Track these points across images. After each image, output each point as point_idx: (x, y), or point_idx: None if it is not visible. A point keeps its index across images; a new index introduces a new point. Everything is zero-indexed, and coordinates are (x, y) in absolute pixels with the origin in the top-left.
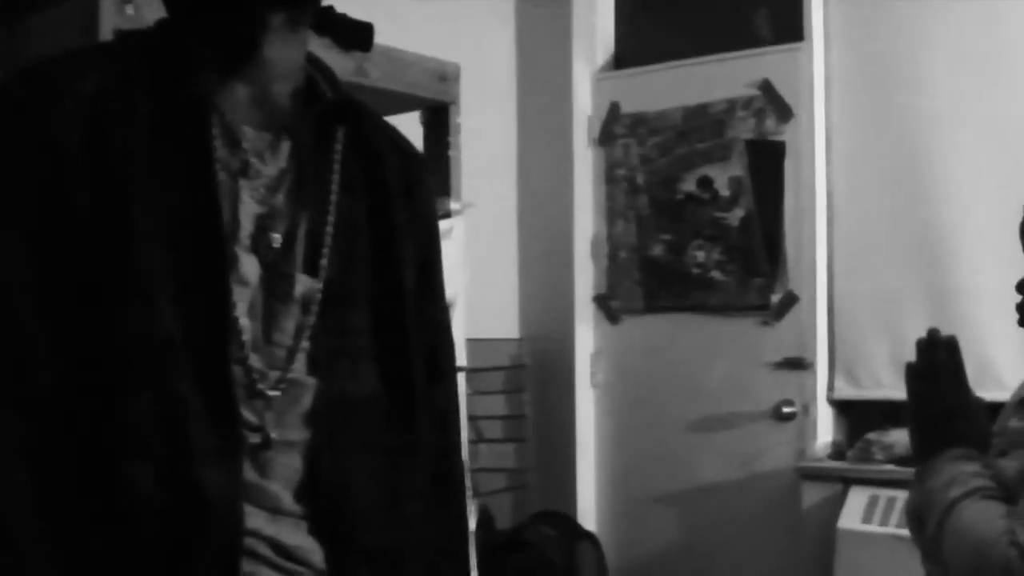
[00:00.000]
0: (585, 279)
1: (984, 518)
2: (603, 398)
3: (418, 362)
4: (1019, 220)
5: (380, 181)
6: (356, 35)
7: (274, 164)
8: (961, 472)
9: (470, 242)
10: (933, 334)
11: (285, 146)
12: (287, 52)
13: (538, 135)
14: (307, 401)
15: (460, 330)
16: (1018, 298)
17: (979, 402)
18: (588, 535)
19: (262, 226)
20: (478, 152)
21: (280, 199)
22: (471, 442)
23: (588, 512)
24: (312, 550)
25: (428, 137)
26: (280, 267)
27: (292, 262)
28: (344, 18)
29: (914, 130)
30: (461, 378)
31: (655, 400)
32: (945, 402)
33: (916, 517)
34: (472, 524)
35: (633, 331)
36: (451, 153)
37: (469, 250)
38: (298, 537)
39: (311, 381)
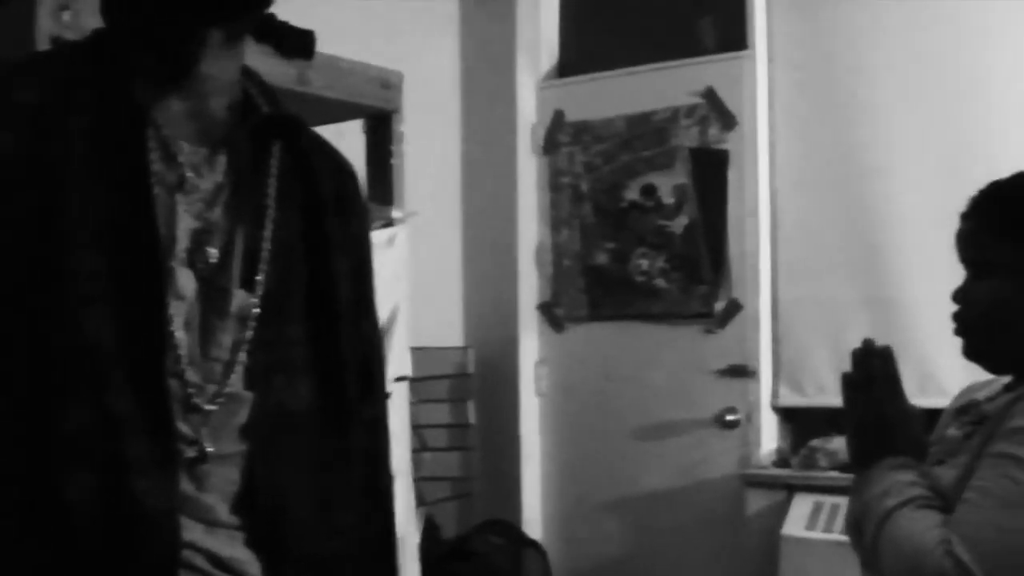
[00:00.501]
0: (529, 287)
1: (920, 527)
2: (548, 406)
3: (352, 375)
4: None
5: (315, 196)
6: (298, 43)
7: (210, 178)
8: (897, 481)
9: (414, 250)
10: (868, 344)
11: (221, 160)
12: (224, 67)
13: (482, 143)
14: (244, 415)
15: (404, 339)
16: (954, 307)
17: (915, 411)
18: (533, 543)
19: (199, 241)
20: (422, 160)
21: (217, 214)
22: (415, 451)
23: (533, 520)
24: (248, 561)
25: (371, 145)
26: (217, 282)
27: (229, 277)
28: (286, 26)
29: (857, 139)
30: (404, 387)
31: (600, 408)
32: (881, 411)
33: (855, 526)
34: (417, 533)
35: (577, 339)
36: (394, 161)
37: (413, 258)
38: (234, 549)
39: (248, 395)
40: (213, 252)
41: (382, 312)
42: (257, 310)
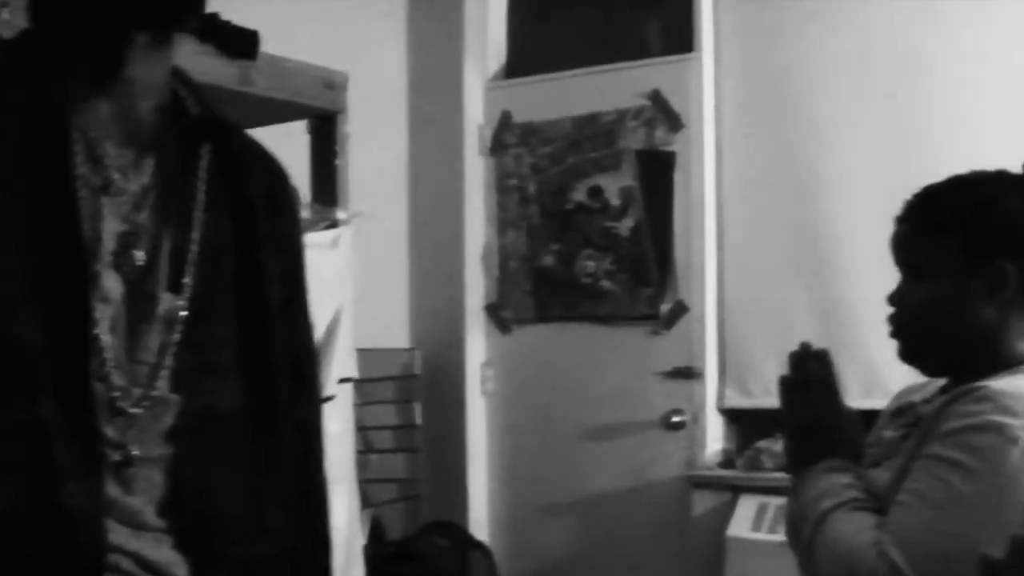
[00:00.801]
0: (476, 289)
1: (854, 529)
2: (494, 408)
3: (282, 376)
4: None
5: (245, 198)
6: (241, 43)
7: (137, 181)
8: (833, 484)
9: (360, 251)
10: (805, 347)
11: (149, 163)
12: (152, 69)
13: (429, 144)
14: (170, 418)
15: (349, 340)
16: (889, 310)
17: (852, 413)
18: (480, 545)
19: (125, 244)
20: (369, 161)
21: (144, 216)
22: (361, 452)
23: (480, 522)
24: (176, 564)
25: (315, 146)
26: (143, 285)
27: (155, 280)
28: (229, 26)
29: (803, 141)
30: (349, 388)
31: (546, 409)
32: (818, 414)
33: (793, 528)
34: (362, 535)
35: (524, 340)
36: (338, 162)
37: (359, 259)
38: (162, 552)
39: (174, 398)
40: (140, 255)
41: (325, 313)
42: (184, 313)
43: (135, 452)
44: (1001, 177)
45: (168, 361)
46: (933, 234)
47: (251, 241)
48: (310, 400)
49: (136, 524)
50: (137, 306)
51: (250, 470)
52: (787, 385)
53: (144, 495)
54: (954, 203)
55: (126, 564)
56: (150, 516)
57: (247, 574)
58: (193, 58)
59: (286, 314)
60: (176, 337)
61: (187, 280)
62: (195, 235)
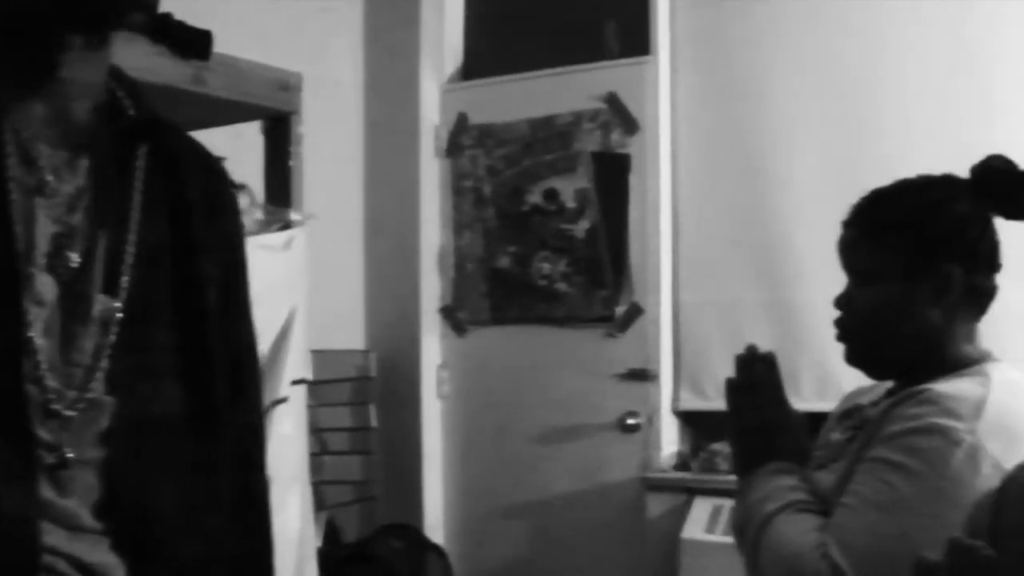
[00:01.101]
0: (431, 290)
1: (798, 531)
2: (450, 410)
3: (221, 378)
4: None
5: (182, 198)
6: (194, 43)
7: (72, 182)
8: (778, 486)
9: (314, 253)
10: (752, 349)
11: (84, 164)
12: (87, 71)
13: (385, 145)
14: (105, 420)
15: (303, 341)
16: (836, 314)
17: (798, 416)
18: (435, 547)
19: (59, 245)
20: (324, 162)
21: (78, 218)
22: (316, 455)
23: (435, 524)
24: (114, 566)
25: (269, 147)
26: (78, 287)
27: (90, 281)
28: (182, 25)
29: (758, 144)
30: (302, 390)
31: (502, 411)
32: (764, 416)
33: (739, 530)
34: (317, 537)
35: (479, 342)
36: (292, 163)
37: (313, 261)
38: (99, 553)
39: (109, 400)
40: (74, 257)
41: (279, 315)
42: (120, 315)
43: (70, 455)
44: (948, 181)
45: (103, 363)
46: (879, 238)
47: (189, 243)
48: (251, 403)
49: (72, 526)
50: (72, 308)
51: (189, 473)
52: (734, 388)
53: (80, 497)
54: (900, 207)
55: (62, 566)
56: (86, 518)
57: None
58: (146, 58)
59: (225, 317)
60: (111, 339)
61: (123, 282)
62: (131, 236)
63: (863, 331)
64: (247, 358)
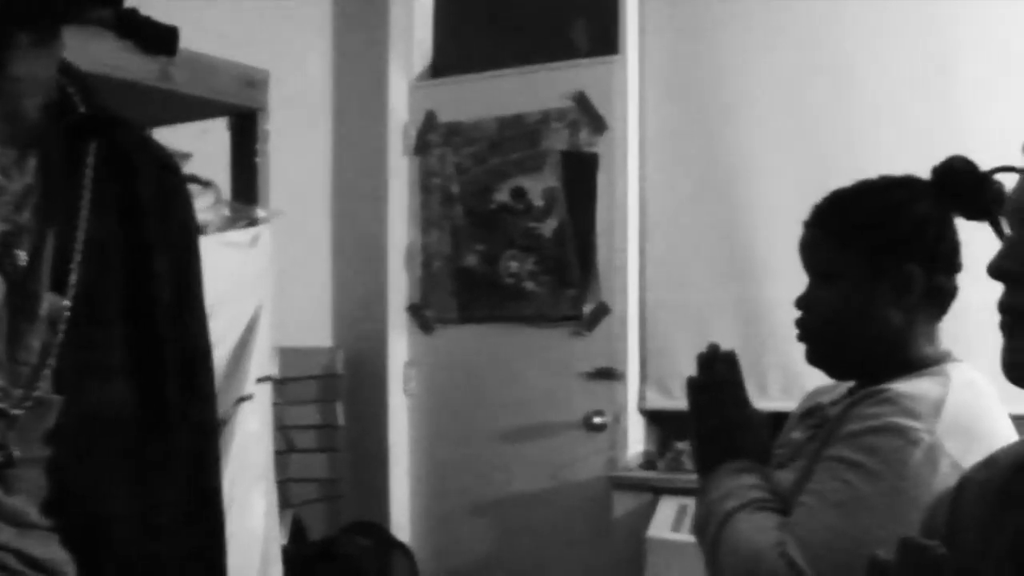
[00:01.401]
0: (399, 288)
1: (756, 529)
2: (417, 408)
3: (172, 377)
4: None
5: (134, 196)
6: (160, 39)
7: (20, 180)
8: (739, 485)
9: (281, 250)
10: (713, 348)
11: (32, 162)
12: (36, 68)
13: (353, 142)
14: (52, 418)
15: (268, 339)
16: (797, 314)
17: (759, 415)
18: (401, 545)
19: (6, 243)
20: (292, 159)
21: (26, 216)
22: (281, 452)
23: (402, 522)
24: (63, 561)
25: (235, 144)
26: (26, 285)
27: (38, 279)
28: (148, 21)
29: (725, 144)
30: (268, 388)
31: (468, 410)
32: (725, 415)
33: (699, 528)
34: (282, 535)
35: (447, 341)
36: (259, 160)
37: (280, 258)
38: (48, 549)
39: (57, 399)
40: (21, 255)
41: (244, 312)
42: (68, 313)
43: (16, 453)
44: (909, 182)
45: (51, 361)
46: (841, 238)
47: (140, 240)
48: (203, 401)
49: (20, 523)
50: (19, 306)
51: (139, 471)
52: (695, 387)
53: (27, 495)
54: (862, 208)
55: (12, 562)
56: (35, 515)
57: (135, 573)
58: (112, 53)
59: (178, 314)
60: (59, 337)
61: (71, 280)
62: (80, 235)
63: (824, 331)
64: (200, 356)
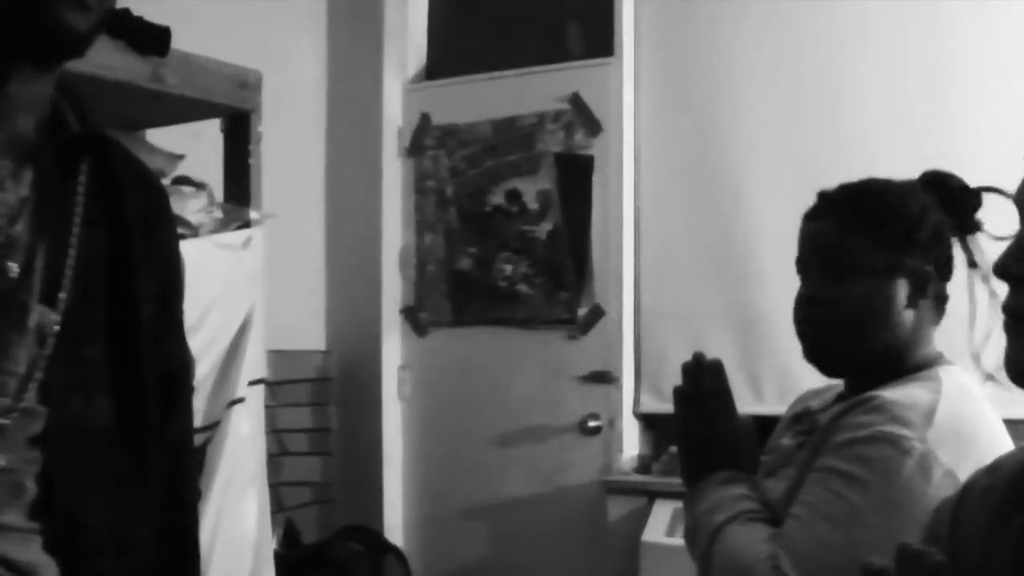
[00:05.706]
0: (393, 291)
1: (747, 542)
2: (410, 411)
3: (152, 394)
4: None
5: (120, 214)
6: (153, 39)
7: (14, 192)
8: (727, 496)
9: (275, 252)
10: (699, 357)
11: (28, 175)
12: (33, 87)
13: (347, 144)
14: (37, 428)
15: (260, 341)
16: (797, 313)
17: (746, 424)
18: (394, 549)
19: None
20: (285, 161)
21: (19, 228)
22: (274, 456)
23: (395, 526)
24: (44, 565)
25: (228, 145)
26: (16, 296)
27: (29, 292)
28: (140, 22)
29: (721, 147)
30: (260, 391)
31: (462, 413)
32: (711, 425)
33: (689, 540)
34: (275, 539)
35: (441, 344)
36: (251, 161)
37: (274, 260)
38: (29, 553)
39: (42, 410)
40: (13, 267)
41: (236, 314)
42: (57, 327)
43: (1, 463)
44: (916, 187)
45: (38, 374)
46: (866, 230)
47: (124, 259)
48: (182, 419)
49: (1, 525)
50: (9, 318)
51: (118, 485)
52: (681, 397)
53: (9, 499)
54: (889, 204)
55: None
56: (16, 518)
57: None
58: (104, 54)
59: (160, 333)
60: (47, 351)
61: (62, 294)
62: (71, 250)
63: (842, 329)
64: (180, 374)
